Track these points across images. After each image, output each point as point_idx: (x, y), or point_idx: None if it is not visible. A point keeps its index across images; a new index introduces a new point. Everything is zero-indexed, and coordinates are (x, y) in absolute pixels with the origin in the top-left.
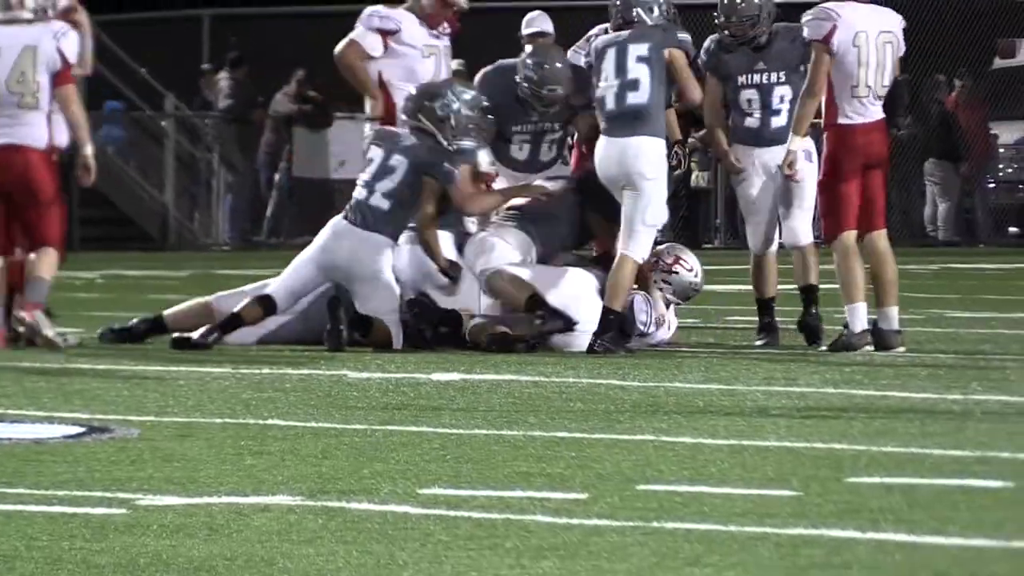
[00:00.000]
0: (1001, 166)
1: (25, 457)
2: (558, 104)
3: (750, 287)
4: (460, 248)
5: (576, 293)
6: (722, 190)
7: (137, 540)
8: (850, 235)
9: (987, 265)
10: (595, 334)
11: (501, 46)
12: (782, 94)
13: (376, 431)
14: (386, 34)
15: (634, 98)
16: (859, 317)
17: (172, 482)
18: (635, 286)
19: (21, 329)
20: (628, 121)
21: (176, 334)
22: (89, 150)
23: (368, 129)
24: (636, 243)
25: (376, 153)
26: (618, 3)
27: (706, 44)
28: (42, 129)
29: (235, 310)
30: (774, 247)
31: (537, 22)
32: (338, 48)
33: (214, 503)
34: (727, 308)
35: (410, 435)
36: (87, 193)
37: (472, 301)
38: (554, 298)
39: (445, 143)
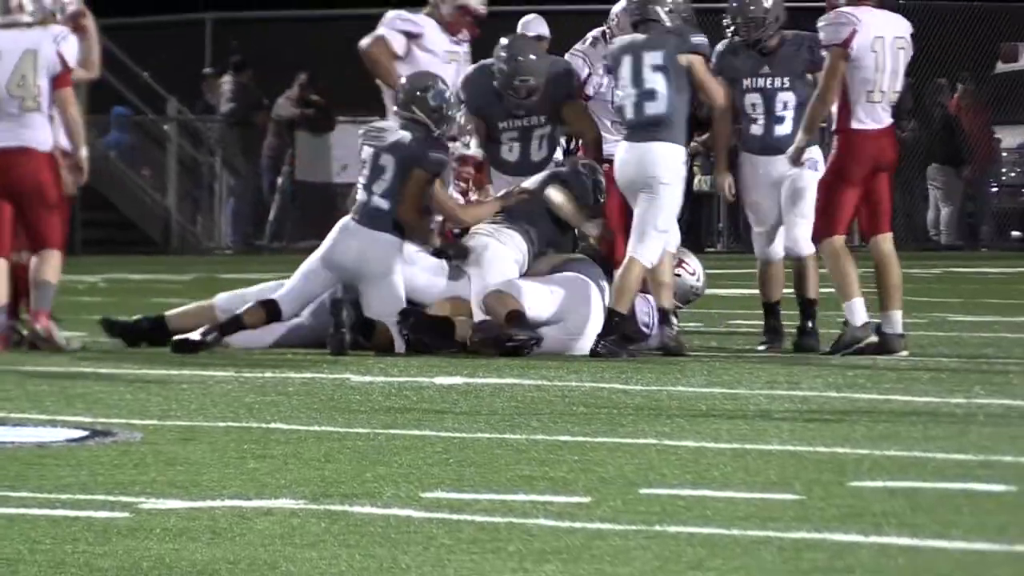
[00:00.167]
0: (1004, 170)
1: (28, 461)
2: (532, 94)
3: (752, 291)
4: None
5: (567, 302)
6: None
7: (140, 544)
8: (839, 239)
9: (990, 269)
10: (599, 336)
11: None
12: (785, 100)
13: (379, 435)
14: (410, 37)
15: (652, 108)
16: (858, 311)
17: (175, 486)
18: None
19: (25, 332)
20: (648, 128)
21: (176, 337)
22: (84, 152)
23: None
24: (646, 247)
25: (367, 153)
26: (633, 2)
27: (717, 47)
28: (46, 132)
29: (238, 312)
30: (780, 254)
31: (532, 25)
32: (365, 42)
33: (217, 507)
34: (730, 312)
35: (413, 439)
36: (90, 196)
37: (463, 289)
38: (538, 310)
39: (437, 133)
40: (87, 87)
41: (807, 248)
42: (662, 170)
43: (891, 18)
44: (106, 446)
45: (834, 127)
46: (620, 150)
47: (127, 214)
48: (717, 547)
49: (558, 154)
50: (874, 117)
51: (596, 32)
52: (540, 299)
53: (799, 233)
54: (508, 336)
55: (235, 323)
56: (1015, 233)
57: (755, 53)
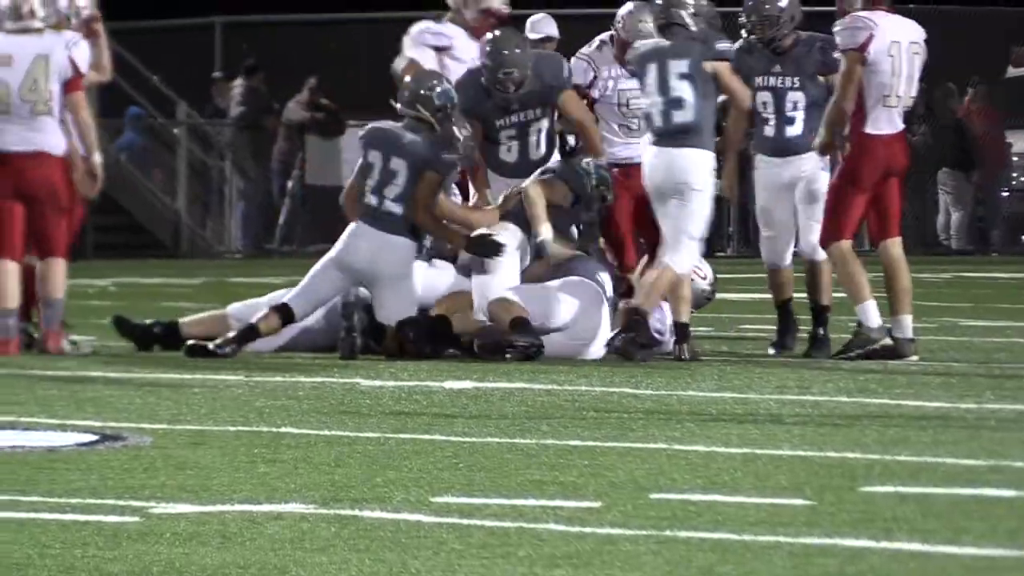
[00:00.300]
0: (1015, 174)
1: (38, 465)
2: (519, 86)
3: (763, 296)
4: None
5: (575, 308)
6: (735, 198)
7: (150, 548)
8: (847, 243)
9: (1000, 274)
10: (619, 331)
11: None
12: (795, 100)
13: (389, 439)
14: (439, 50)
15: (680, 116)
16: (872, 314)
17: (185, 490)
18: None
19: (36, 335)
20: (677, 135)
21: (191, 341)
22: (98, 158)
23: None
24: (680, 255)
25: (375, 157)
26: (659, 2)
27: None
28: (58, 136)
29: (252, 321)
30: (787, 260)
31: (540, 26)
32: (398, 65)
33: (227, 511)
34: (740, 316)
35: (423, 443)
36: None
37: (467, 284)
38: (553, 316)
39: (441, 131)
40: (97, 90)
41: (821, 253)
42: (693, 176)
43: (906, 23)
44: (116, 450)
45: (846, 131)
46: (648, 155)
47: (137, 218)
48: (727, 552)
49: (556, 156)
50: (888, 122)
51: (604, 36)
52: (547, 306)
53: (814, 238)
54: (509, 343)
55: (250, 332)
56: None
57: (768, 52)
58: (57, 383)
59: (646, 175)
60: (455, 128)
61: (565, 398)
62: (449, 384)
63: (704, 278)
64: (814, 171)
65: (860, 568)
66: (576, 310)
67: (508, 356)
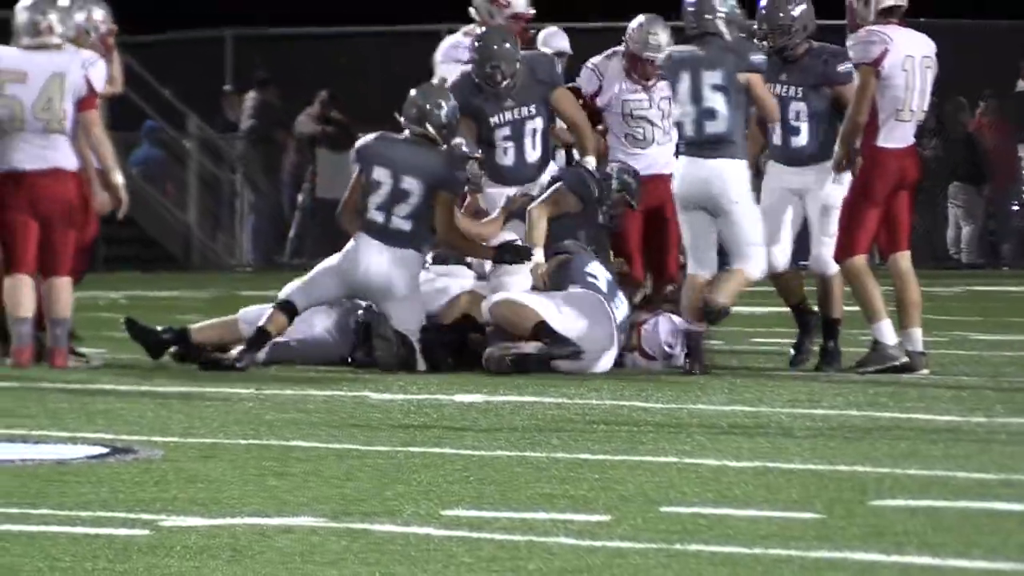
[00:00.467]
0: None
1: (48, 478)
2: (506, 80)
3: (774, 309)
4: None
5: (580, 326)
6: None
7: (160, 561)
8: (861, 259)
9: (1011, 288)
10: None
11: None
12: (797, 110)
13: (399, 452)
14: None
15: (712, 127)
16: (887, 332)
17: (195, 503)
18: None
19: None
20: (709, 146)
21: (209, 356)
22: (119, 179)
23: None
24: (754, 262)
25: (383, 175)
26: (691, 9)
27: None
28: (71, 153)
29: (260, 324)
30: (782, 264)
31: (553, 41)
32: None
33: (237, 524)
34: (752, 330)
35: (433, 456)
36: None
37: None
38: (558, 324)
39: (448, 148)
40: (108, 103)
41: (832, 268)
42: (730, 188)
43: (919, 37)
44: (127, 463)
45: (858, 144)
46: (681, 164)
47: (148, 231)
48: (738, 566)
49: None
50: (901, 136)
51: (620, 48)
52: (553, 316)
53: (825, 252)
54: (511, 355)
55: (261, 336)
56: None
57: (778, 60)
58: (67, 395)
59: (680, 184)
60: (462, 145)
61: (575, 411)
62: (459, 397)
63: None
64: (823, 184)
65: None
66: (584, 328)
67: (511, 362)
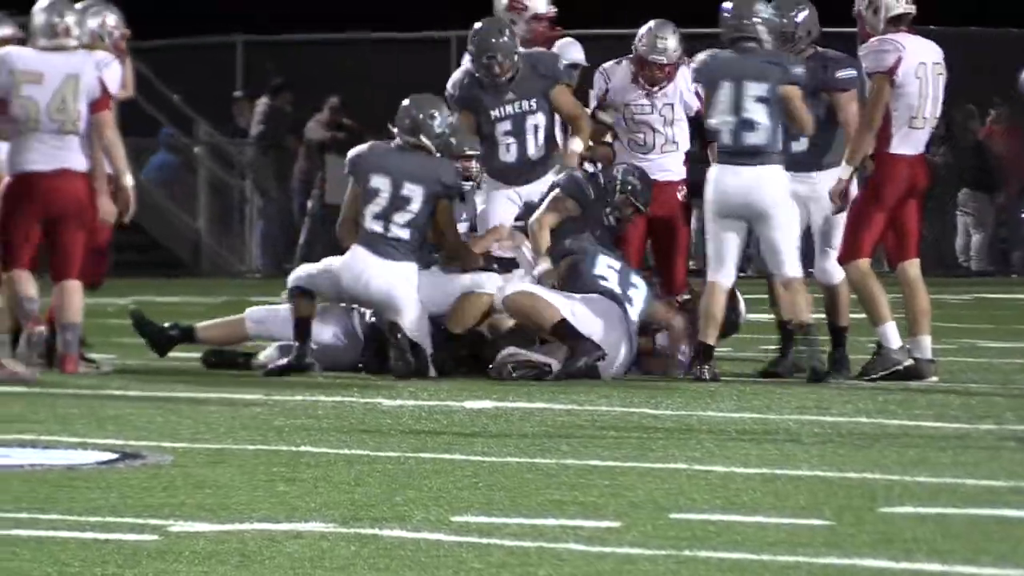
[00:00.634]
0: None
1: (58, 483)
2: (504, 73)
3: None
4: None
5: (596, 321)
6: None
7: (169, 567)
8: (865, 262)
9: (1021, 296)
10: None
11: None
12: None
13: (409, 458)
14: None
15: (752, 138)
16: (892, 335)
17: (204, 508)
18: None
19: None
20: (748, 155)
21: (268, 368)
22: (129, 181)
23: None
24: (794, 264)
25: (381, 182)
26: (728, 15)
27: None
28: (85, 155)
29: (296, 317)
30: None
31: (567, 52)
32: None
33: (246, 530)
34: (760, 337)
35: (443, 462)
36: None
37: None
38: (575, 323)
39: (443, 157)
40: (119, 109)
41: (837, 278)
42: (771, 194)
43: (928, 44)
44: (136, 469)
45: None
46: (719, 171)
47: (157, 237)
48: (747, 573)
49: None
50: (914, 143)
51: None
52: (571, 315)
53: (829, 264)
54: (515, 363)
55: (303, 326)
56: None
57: None
58: (77, 401)
59: (712, 191)
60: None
61: (585, 418)
62: (469, 404)
63: (734, 309)
64: (825, 194)
65: None
66: (600, 331)
67: (515, 374)
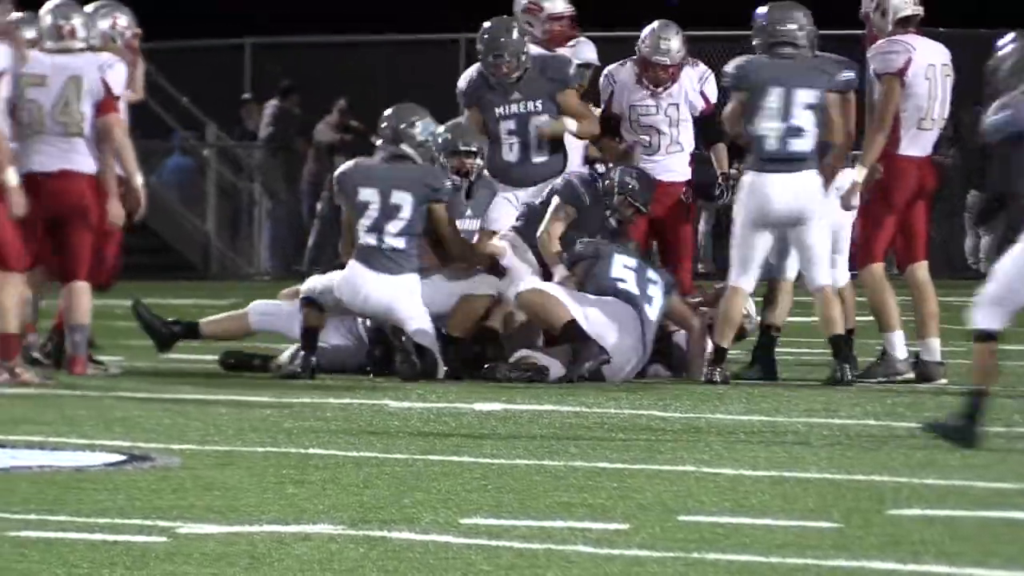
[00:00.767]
0: None
1: (66, 485)
2: (510, 72)
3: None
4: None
5: (611, 326)
6: None
7: (178, 568)
8: (879, 267)
9: None
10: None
11: None
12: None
13: (417, 460)
14: None
15: (798, 145)
16: (898, 344)
17: (213, 511)
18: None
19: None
20: (794, 161)
21: (283, 373)
22: (139, 180)
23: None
24: (827, 269)
25: (370, 195)
26: (763, 23)
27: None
28: (91, 156)
29: (302, 327)
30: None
31: (580, 52)
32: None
33: (255, 532)
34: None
35: (451, 464)
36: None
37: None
38: (587, 326)
39: (426, 164)
40: (129, 111)
41: (843, 280)
42: (814, 201)
43: (936, 45)
44: (144, 470)
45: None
46: (763, 180)
47: (167, 239)
48: (755, 575)
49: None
50: (922, 144)
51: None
52: (582, 318)
53: (835, 270)
54: (511, 364)
55: (309, 336)
56: None
57: None
58: (85, 403)
59: (749, 197)
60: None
61: (594, 420)
62: (478, 406)
63: (746, 315)
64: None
65: None
66: (614, 337)
67: (512, 375)
